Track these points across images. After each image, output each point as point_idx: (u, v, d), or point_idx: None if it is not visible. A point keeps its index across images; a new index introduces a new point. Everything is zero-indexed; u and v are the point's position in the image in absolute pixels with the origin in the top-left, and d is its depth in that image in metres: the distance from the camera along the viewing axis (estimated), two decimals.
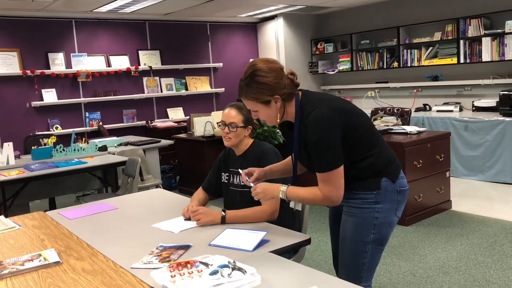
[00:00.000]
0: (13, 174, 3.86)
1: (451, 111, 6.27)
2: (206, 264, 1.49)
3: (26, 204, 4.49)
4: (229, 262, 1.49)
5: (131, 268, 1.72)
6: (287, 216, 2.30)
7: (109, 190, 4.68)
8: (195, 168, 5.69)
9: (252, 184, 1.97)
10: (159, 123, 7.17)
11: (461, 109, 6.33)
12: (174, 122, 7.30)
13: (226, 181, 2.49)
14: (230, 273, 1.42)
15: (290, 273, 1.62)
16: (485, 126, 5.45)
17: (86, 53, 6.65)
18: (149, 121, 7.16)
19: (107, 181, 4.65)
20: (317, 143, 1.80)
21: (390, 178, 1.92)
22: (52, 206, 4.90)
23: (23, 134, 5.93)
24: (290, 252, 2.15)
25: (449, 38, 6.31)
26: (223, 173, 2.52)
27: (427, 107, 6.68)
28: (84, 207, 2.74)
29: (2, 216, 2.50)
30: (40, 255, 1.88)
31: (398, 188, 1.94)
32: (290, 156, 2.10)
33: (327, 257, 3.57)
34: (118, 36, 7.00)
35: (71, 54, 6.55)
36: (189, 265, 1.49)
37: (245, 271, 1.43)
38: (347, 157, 1.86)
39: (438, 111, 6.40)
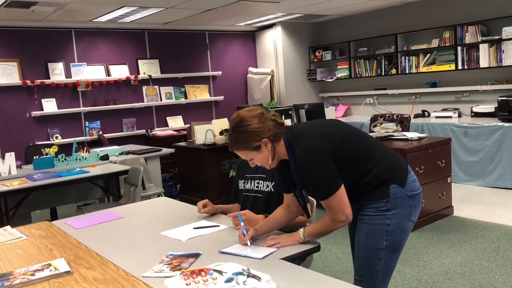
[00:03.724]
0: (15, 184, 3.85)
1: (450, 117, 6.31)
2: (220, 272, 1.49)
3: (28, 214, 4.48)
4: (243, 269, 1.49)
5: (143, 277, 1.72)
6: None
7: (110, 199, 4.68)
8: (196, 176, 5.69)
9: (249, 243, 1.96)
10: (159, 131, 7.17)
11: (459, 115, 6.36)
12: (174, 130, 7.30)
13: (242, 187, 2.49)
14: (245, 281, 1.42)
15: (303, 279, 1.62)
16: (485, 131, 5.49)
17: (85, 63, 6.67)
18: (149, 130, 7.16)
19: (109, 190, 4.65)
20: (309, 175, 1.87)
21: (398, 184, 1.94)
22: (54, 216, 4.88)
23: (23, 144, 5.92)
24: (298, 259, 2.15)
25: (447, 44, 6.36)
26: (240, 181, 2.52)
27: (426, 113, 6.72)
28: (90, 217, 2.73)
29: (8, 226, 2.49)
30: (50, 264, 1.87)
31: (408, 192, 1.95)
32: (277, 210, 2.11)
33: (331, 264, 3.57)
34: (117, 45, 7.02)
35: (71, 63, 6.56)
36: (203, 273, 1.49)
37: (260, 278, 1.43)
38: (348, 176, 1.90)
39: (437, 117, 6.44)
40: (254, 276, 1.44)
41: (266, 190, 2.37)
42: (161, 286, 1.59)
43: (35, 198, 4.20)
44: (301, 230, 1.97)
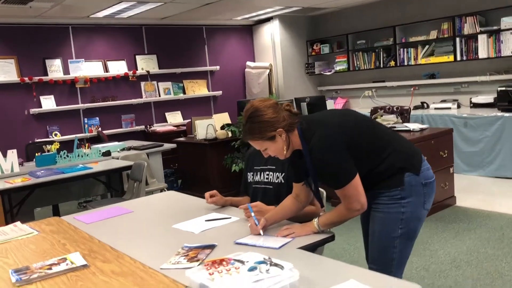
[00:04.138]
0: (18, 182, 3.83)
1: (449, 108, 6.32)
2: (241, 261, 1.49)
3: (31, 212, 4.46)
4: (264, 258, 1.49)
5: (161, 268, 1.72)
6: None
7: (113, 195, 4.66)
8: (197, 171, 5.68)
9: (261, 232, 1.97)
10: (158, 127, 7.15)
11: (459, 106, 6.38)
12: (173, 126, 7.28)
13: (251, 180, 2.49)
14: (268, 269, 1.42)
15: (323, 267, 1.62)
16: (484, 122, 5.51)
17: (83, 59, 6.62)
18: (148, 126, 7.14)
19: (112, 186, 4.63)
20: (324, 165, 1.87)
21: (413, 172, 1.94)
22: (56, 213, 4.85)
23: (23, 141, 5.89)
24: (310, 250, 2.15)
25: (445, 36, 6.37)
26: (248, 173, 2.52)
27: (425, 105, 6.74)
28: (99, 212, 2.72)
29: (19, 222, 2.48)
30: (65, 258, 1.86)
31: (423, 181, 1.95)
32: (286, 199, 2.11)
33: (338, 255, 3.58)
34: (115, 41, 6.97)
35: (69, 60, 6.52)
36: (224, 263, 1.49)
37: (283, 267, 1.43)
38: (364, 165, 1.91)
39: (436, 108, 6.46)
40: (277, 265, 1.44)
41: (276, 181, 2.37)
42: (181, 277, 1.58)
43: (38, 195, 4.18)
44: (316, 220, 1.97)
